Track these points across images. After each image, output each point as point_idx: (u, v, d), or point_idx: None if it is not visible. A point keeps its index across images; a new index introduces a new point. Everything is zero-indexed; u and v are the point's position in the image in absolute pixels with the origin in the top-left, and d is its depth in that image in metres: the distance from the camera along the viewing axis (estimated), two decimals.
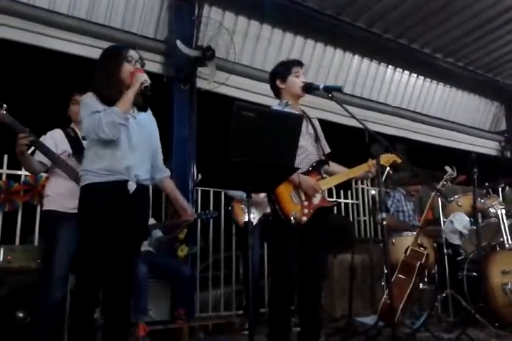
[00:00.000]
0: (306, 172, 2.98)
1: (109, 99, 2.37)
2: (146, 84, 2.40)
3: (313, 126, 3.16)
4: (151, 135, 2.59)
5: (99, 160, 2.36)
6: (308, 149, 2.99)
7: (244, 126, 2.24)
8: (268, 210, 3.50)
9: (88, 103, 2.37)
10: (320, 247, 3.06)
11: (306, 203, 2.92)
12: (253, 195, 3.30)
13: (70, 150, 2.99)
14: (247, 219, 3.99)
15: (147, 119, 2.58)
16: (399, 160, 3.17)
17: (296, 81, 3.07)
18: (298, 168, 2.59)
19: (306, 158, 2.98)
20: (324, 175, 3.08)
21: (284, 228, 2.90)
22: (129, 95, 2.36)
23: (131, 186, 2.39)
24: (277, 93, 3.15)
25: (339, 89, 3.06)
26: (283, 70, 3.11)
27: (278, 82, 3.10)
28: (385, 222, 2.86)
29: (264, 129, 2.31)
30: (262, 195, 3.87)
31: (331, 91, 2.99)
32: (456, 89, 7.96)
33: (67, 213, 2.81)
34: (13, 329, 3.18)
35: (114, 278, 2.41)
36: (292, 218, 2.83)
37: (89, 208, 2.34)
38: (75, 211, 2.46)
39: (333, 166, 3.20)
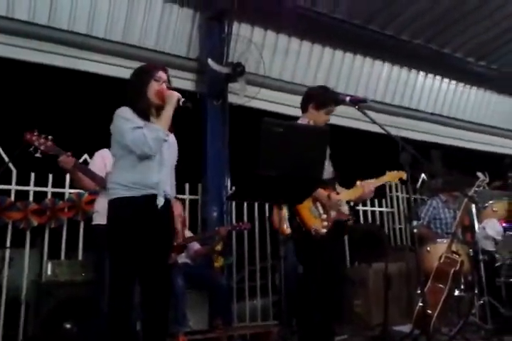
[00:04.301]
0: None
1: (143, 114, 2.50)
2: (182, 99, 2.50)
3: None
4: (175, 154, 2.71)
5: (131, 173, 2.43)
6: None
7: (273, 141, 2.35)
8: None
9: (127, 117, 2.46)
10: (338, 259, 3.26)
11: (324, 216, 3.08)
12: None
13: None
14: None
15: (173, 140, 2.69)
16: (404, 177, 3.24)
17: (324, 118, 3.17)
18: (326, 180, 2.68)
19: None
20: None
21: (307, 240, 3.05)
22: (169, 113, 2.48)
23: (160, 201, 2.47)
24: (304, 110, 3.24)
25: (365, 101, 3.15)
26: (322, 101, 3.18)
27: (311, 106, 3.19)
28: (415, 230, 2.93)
29: (292, 143, 2.41)
30: None
31: (357, 103, 3.08)
32: (490, 92, 7.83)
33: None
34: (61, 339, 3.36)
35: (152, 291, 2.49)
36: (313, 231, 2.99)
37: (119, 223, 2.42)
38: None
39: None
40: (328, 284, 3.10)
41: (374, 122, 3.04)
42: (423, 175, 6.46)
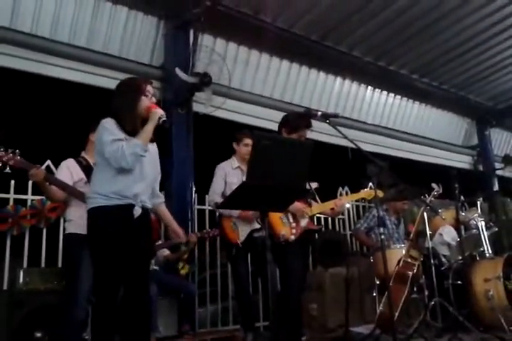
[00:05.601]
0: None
1: (129, 129, 2.55)
2: (163, 119, 2.57)
3: None
4: (156, 164, 2.80)
5: (111, 184, 2.48)
6: None
7: (262, 153, 2.49)
8: (256, 226, 3.81)
9: (108, 129, 2.50)
10: (302, 264, 3.51)
11: (294, 225, 3.35)
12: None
13: (85, 178, 3.17)
14: (238, 236, 4.15)
15: (154, 150, 2.77)
16: (381, 195, 3.52)
17: None
18: (309, 190, 2.86)
19: None
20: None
21: (277, 245, 3.22)
22: (150, 129, 2.54)
23: (137, 211, 2.55)
24: (279, 132, 3.44)
25: (336, 116, 3.36)
26: (294, 126, 3.36)
27: (284, 130, 3.39)
28: (383, 236, 3.18)
29: (279, 155, 2.56)
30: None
31: (328, 118, 3.28)
32: (430, 107, 8.41)
33: None
34: None
35: (132, 300, 2.53)
36: (281, 236, 3.25)
37: (99, 232, 2.46)
38: None
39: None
40: (293, 287, 3.31)
41: (345, 137, 3.24)
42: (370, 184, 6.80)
